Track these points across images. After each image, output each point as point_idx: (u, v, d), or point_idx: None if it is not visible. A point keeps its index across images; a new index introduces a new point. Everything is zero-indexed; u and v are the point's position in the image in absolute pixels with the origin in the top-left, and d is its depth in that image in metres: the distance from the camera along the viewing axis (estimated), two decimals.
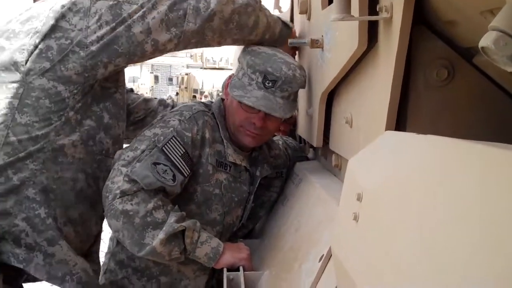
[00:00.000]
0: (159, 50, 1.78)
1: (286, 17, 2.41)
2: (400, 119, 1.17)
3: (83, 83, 1.69)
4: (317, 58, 1.80)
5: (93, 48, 1.66)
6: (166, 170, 1.70)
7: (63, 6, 1.68)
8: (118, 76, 1.83)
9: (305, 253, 1.44)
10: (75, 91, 1.68)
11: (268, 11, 1.96)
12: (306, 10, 1.97)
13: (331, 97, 1.78)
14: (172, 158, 1.72)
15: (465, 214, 0.56)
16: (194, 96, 18.68)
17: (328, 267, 1.26)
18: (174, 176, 1.71)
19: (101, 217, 1.86)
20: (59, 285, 1.70)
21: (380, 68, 1.21)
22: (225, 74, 4.20)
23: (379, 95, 1.19)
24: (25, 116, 1.62)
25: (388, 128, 1.14)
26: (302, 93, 2.17)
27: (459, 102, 1.14)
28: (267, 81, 1.82)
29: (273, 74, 1.81)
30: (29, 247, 1.62)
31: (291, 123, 2.47)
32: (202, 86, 18.41)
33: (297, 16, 2.19)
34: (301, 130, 2.29)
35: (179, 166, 1.73)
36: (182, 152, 1.75)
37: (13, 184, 1.61)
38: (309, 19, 1.96)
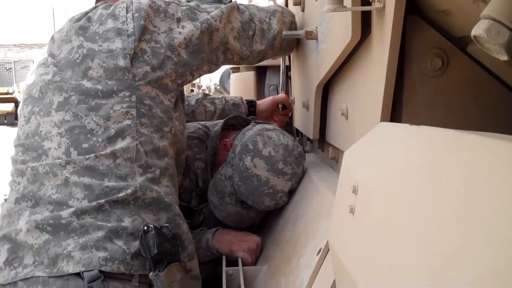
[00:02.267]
0: (227, 59, 1.82)
1: None
2: (395, 110, 1.17)
3: (177, 91, 1.66)
4: (312, 49, 1.80)
5: (184, 54, 1.63)
6: None
7: (142, 5, 1.63)
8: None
9: (303, 246, 1.44)
10: (173, 99, 1.64)
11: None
12: (300, 2, 1.96)
13: (327, 89, 1.77)
14: None
15: (460, 205, 0.56)
16: (192, 90, 18.68)
17: (326, 261, 1.26)
18: None
19: None
20: None
21: (374, 59, 1.20)
22: (222, 68, 4.19)
23: (374, 86, 1.19)
24: (145, 127, 1.55)
25: (383, 119, 1.13)
26: (298, 85, 2.17)
27: (454, 91, 1.13)
28: (245, 204, 1.89)
29: (253, 206, 1.88)
30: None
31: (286, 114, 2.47)
32: (200, 80, 18.40)
33: (291, 8, 2.18)
34: (298, 123, 2.29)
35: None
36: None
37: (163, 201, 1.53)
38: (303, 10, 1.95)
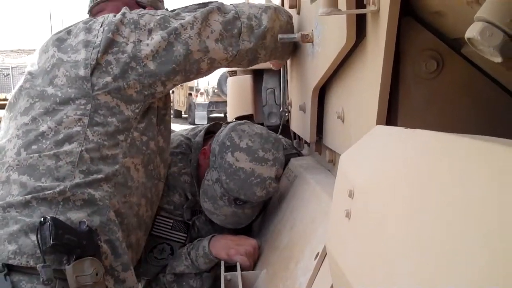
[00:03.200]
0: (213, 67, 1.80)
1: None
2: (391, 112, 1.16)
3: (143, 102, 1.66)
4: (308, 53, 1.79)
5: (151, 65, 1.63)
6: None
7: (114, 19, 1.66)
8: (167, 97, 1.81)
9: (301, 251, 1.44)
10: (137, 110, 1.64)
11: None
12: (295, 4, 1.96)
13: (323, 92, 1.77)
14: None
15: (456, 208, 0.55)
16: (190, 94, 18.69)
17: (324, 265, 1.25)
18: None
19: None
20: None
21: (369, 61, 1.20)
22: (220, 71, 4.20)
23: (369, 89, 1.18)
24: (96, 135, 1.57)
25: (378, 122, 1.12)
26: (295, 88, 2.17)
27: (449, 93, 1.13)
28: (238, 201, 1.88)
29: (246, 200, 1.87)
30: (105, 270, 1.53)
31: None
32: (198, 83, 18.40)
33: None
34: (295, 126, 2.29)
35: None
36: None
37: (97, 204, 1.53)
38: (298, 13, 1.95)
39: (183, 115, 20.23)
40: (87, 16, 1.92)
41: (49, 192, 1.46)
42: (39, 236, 1.38)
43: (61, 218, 1.45)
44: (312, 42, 1.70)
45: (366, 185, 0.89)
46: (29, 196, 1.46)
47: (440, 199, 0.60)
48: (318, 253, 1.27)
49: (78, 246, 1.41)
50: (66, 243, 1.39)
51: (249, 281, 1.69)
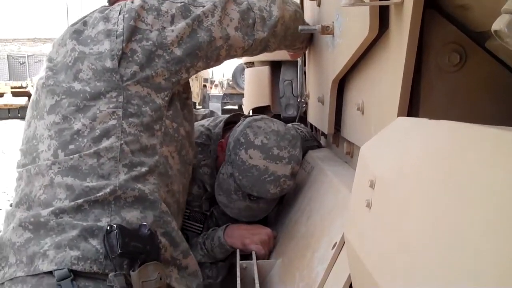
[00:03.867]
0: (230, 55, 1.81)
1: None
2: (412, 105, 1.16)
3: (171, 89, 1.65)
4: (328, 44, 1.79)
5: (177, 52, 1.63)
6: None
7: (134, 5, 1.63)
8: (186, 82, 1.81)
9: (318, 241, 1.44)
10: (166, 98, 1.63)
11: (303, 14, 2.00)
12: None
13: (342, 84, 1.77)
14: None
15: (479, 199, 0.56)
16: (205, 86, 18.70)
17: (341, 255, 1.26)
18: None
19: None
20: None
21: (392, 53, 1.20)
22: (235, 63, 4.20)
23: (391, 81, 1.18)
24: (132, 126, 1.55)
25: (400, 114, 1.13)
26: (313, 80, 2.17)
27: (472, 86, 1.13)
28: (252, 196, 1.89)
29: (259, 196, 1.88)
30: (166, 263, 1.55)
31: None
32: (212, 75, 18.40)
33: (307, 3, 2.18)
34: (312, 118, 2.29)
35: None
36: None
37: (148, 199, 1.52)
38: (319, 5, 1.95)
39: (197, 107, 20.26)
40: (105, 4, 1.90)
41: (100, 194, 1.45)
42: (106, 244, 1.39)
43: (117, 219, 1.44)
44: (333, 34, 1.70)
45: (388, 176, 0.90)
46: (81, 200, 1.44)
47: (464, 191, 0.60)
48: (336, 243, 1.28)
49: (143, 252, 1.41)
50: (132, 250, 1.39)
51: (264, 270, 1.70)
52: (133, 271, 1.39)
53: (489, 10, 0.90)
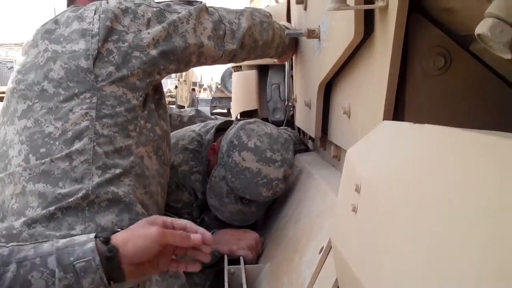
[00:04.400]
0: (199, 63, 1.81)
1: (282, 8, 2.40)
2: (398, 109, 1.17)
3: (145, 90, 1.63)
4: (314, 48, 1.80)
5: (153, 53, 1.62)
6: None
7: (110, 6, 1.61)
8: (160, 83, 1.80)
9: (305, 245, 1.44)
10: (141, 98, 1.61)
11: (277, 22, 1.99)
12: (302, 0, 1.96)
13: (329, 87, 1.77)
14: None
15: (464, 204, 0.56)
16: (193, 89, 18.67)
17: (329, 259, 1.26)
18: None
19: None
20: None
21: (377, 57, 1.20)
22: (224, 67, 4.19)
23: (376, 85, 1.19)
24: (106, 127, 1.51)
25: (385, 118, 1.13)
26: (300, 84, 2.17)
27: (457, 90, 1.13)
28: (244, 199, 1.89)
29: (251, 199, 1.88)
30: None
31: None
32: (201, 79, 18.39)
33: (294, 7, 2.18)
34: (300, 121, 2.29)
35: None
36: None
37: (123, 201, 1.48)
38: (305, 9, 1.95)
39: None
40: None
41: (72, 199, 1.41)
42: None
43: (91, 226, 1.41)
44: (319, 37, 1.70)
45: (373, 180, 0.89)
46: (52, 208, 1.40)
47: (449, 194, 0.60)
48: (323, 247, 1.28)
49: None
50: None
51: (252, 274, 1.69)
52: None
53: (473, 14, 0.90)
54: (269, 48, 1.97)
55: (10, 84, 1.59)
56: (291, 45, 2.11)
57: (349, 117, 1.47)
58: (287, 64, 2.58)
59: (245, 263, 1.75)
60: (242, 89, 3.32)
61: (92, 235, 1.14)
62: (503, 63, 1.03)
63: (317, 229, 1.42)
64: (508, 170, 0.50)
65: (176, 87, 19.52)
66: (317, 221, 1.46)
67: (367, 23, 1.24)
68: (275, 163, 1.84)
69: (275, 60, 2.25)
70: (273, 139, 1.87)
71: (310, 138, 2.36)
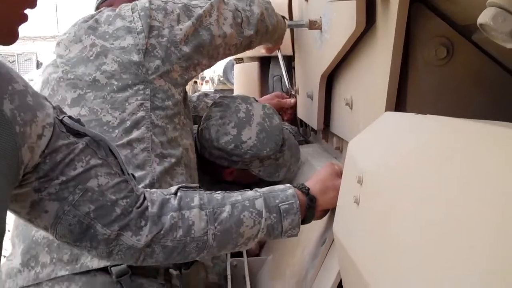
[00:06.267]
0: (225, 54, 1.82)
1: (283, 1, 2.39)
2: (400, 99, 1.16)
3: (184, 86, 1.67)
4: (316, 39, 1.78)
5: (186, 49, 1.63)
6: None
7: (144, 4, 1.64)
8: None
9: (308, 237, 1.44)
10: (181, 94, 1.65)
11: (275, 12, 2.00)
12: None
13: (331, 79, 1.76)
14: None
15: (468, 195, 0.55)
16: (195, 82, 18.62)
17: (331, 251, 1.25)
18: None
19: None
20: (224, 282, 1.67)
21: (379, 48, 1.19)
22: (225, 59, 4.17)
23: (378, 75, 1.18)
24: (159, 118, 1.55)
25: (387, 109, 1.12)
26: (302, 75, 2.16)
27: (459, 80, 1.12)
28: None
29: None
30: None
31: (293, 107, 2.47)
32: (203, 72, 18.31)
33: None
34: (302, 113, 2.28)
35: None
36: None
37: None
38: (307, 0, 1.94)
39: None
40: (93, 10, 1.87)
41: (141, 186, 1.42)
42: None
43: None
44: (321, 29, 1.69)
45: (375, 171, 0.89)
46: None
47: (452, 186, 0.59)
48: (325, 239, 1.28)
49: None
50: None
51: (255, 267, 1.69)
52: (185, 269, 1.42)
53: (475, 3, 0.89)
54: (274, 34, 1.98)
55: (54, 74, 1.60)
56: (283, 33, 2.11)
57: (351, 108, 1.46)
58: (279, 55, 2.56)
59: (248, 255, 1.74)
60: (244, 81, 3.31)
61: (289, 184, 1.30)
62: (506, 53, 1.02)
63: (320, 221, 1.42)
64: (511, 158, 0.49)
65: None
66: None
67: (369, 13, 1.23)
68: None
69: (265, 50, 2.24)
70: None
71: (312, 130, 2.35)
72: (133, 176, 1.19)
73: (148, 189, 1.22)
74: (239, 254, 1.78)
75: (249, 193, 1.25)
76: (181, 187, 1.22)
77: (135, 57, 1.55)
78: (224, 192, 1.25)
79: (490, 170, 0.52)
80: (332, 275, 1.16)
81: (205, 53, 1.70)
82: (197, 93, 2.50)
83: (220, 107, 1.93)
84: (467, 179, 0.56)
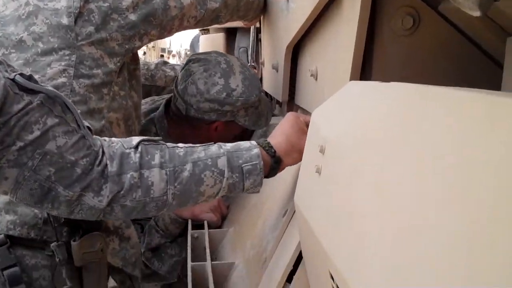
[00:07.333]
0: (182, 26, 1.74)
1: None
2: (365, 70, 1.14)
3: (123, 56, 1.58)
4: (282, 9, 1.76)
5: (132, 17, 1.55)
6: None
7: None
8: (136, 53, 1.75)
9: (269, 209, 1.43)
10: (118, 64, 1.56)
11: None
12: None
13: (297, 50, 1.74)
14: None
15: (432, 161, 0.54)
16: (162, 56, 18.44)
17: (292, 223, 1.24)
18: None
19: None
20: (131, 272, 1.62)
21: (344, 18, 1.17)
22: (193, 33, 4.12)
23: (344, 46, 1.16)
24: (82, 87, 1.46)
25: (352, 79, 1.11)
26: (267, 47, 2.14)
27: (425, 50, 1.11)
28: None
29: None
30: (107, 232, 1.50)
31: None
32: (170, 45, 18.15)
33: None
34: (267, 86, 2.26)
35: None
36: None
37: None
38: None
39: None
40: None
41: None
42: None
43: None
44: None
45: (338, 140, 0.87)
46: None
47: (416, 152, 0.58)
48: (286, 210, 1.27)
49: (86, 222, 1.35)
50: (76, 221, 1.32)
51: (216, 239, 1.68)
52: (73, 241, 1.35)
53: None
54: (250, 9, 1.94)
55: None
56: (262, 9, 2.08)
57: (316, 79, 1.44)
58: (252, 27, 2.54)
59: (209, 227, 1.73)
60: None
61: (254, 142, 1.26)
62: (471, 23, 1.01)
63: (281, 193, 1.41)
64: (481, 124, 0.48)
65: (144, 53, 19.27)
66: (282, 185, 1.44)
67: None
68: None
69: (246, 23, 2.21)
70: None
71: (278, 102, 2.34)
72: (89, 129, 1.16)
73: (106, 139, 1.19)
74: (200, 226, 1.76)
75: (213, 149, 1.22)
76: (143, 140, 1.19)
77: (65, 20, 1.48)
78: (187, 146, 1.22)
79: (454, 134, 0.51)
80: (292, 245, 1.15)
81: (156, 23, 1.62)
82: (155, 61, 2.44)
83: (200, 62, 1.89)
84: (431, 145, 0.55)
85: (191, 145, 1.23)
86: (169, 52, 18.89)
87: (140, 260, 1.65)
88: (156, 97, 2.21)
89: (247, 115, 1.89)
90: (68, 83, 1.45)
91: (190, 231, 1.69)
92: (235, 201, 1.88)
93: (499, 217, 0.40)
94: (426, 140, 0.56)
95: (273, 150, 1.26)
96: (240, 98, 1.82)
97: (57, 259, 1.34)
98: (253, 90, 1.85)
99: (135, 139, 1.19)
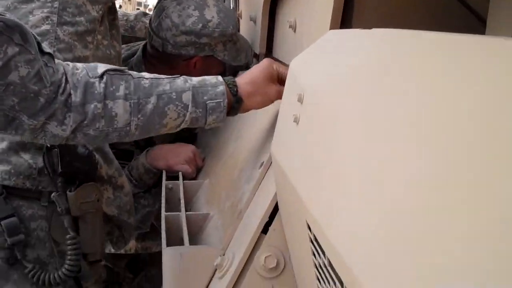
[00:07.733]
0: None
1: None
2: (345, 22, 1.13)
3: (104, 4, 1.55)
4: None
5: None
6: None
7: None
8: (113, 4, 1.70)
9: (245, 160, 1.42)
10: (100, 12, 1.53)
11: None
12: None
13: (275, 2, 1.71)
14: None
15: (411, 108, 0.53)
16: (138, 9, 18.14)
17: (268, 174, 1.24)
18: None
19: None
20: (127, 219, 1.64)
21: None
22: None
23: None
24: (67, 34, 1.43)
25: (332, 29, 1.09)
26: None
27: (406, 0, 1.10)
28: None
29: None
30: (101, 181, 1.50)
31: None
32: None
33: None
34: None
35: None
36: None
37: None
38: None
39: None
40: None
41: None
42: (47, 162, 1.35)
43: None
44: None
45: (316, 89, 0.86)
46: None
47: (395, 98, 0.57)
48: (263, 162, 1.26)
49: (82, 172, 1.37)
50: (72, 170, 1.35)
51: (191, 190, 1.67)
52: (69, 191, 1.36)
53: None
54: None
55: None
56: None
57: (294, 31, 1.42)
58: None
59: (184, 179, 1.72)
60: None
61: (221, 78, 1.27)
62: None
63: (258, 145, 1.40)
64: (464, 67, 0.47)
65: (120, 6, 18.90)
66: (259, 137, 1.43)
67: None
68: None
69: None
70: None
71: (255, 55, 2.31)
72: (51, 54, 1.14)
73: (69, 64, 1.18)
74: (175, 178, 1.75)
75: (179, 82, 1.22)
76: (108, 70, 1.17)
77: None
78: (153, 77, 1.22)
79: (434, 79, 0.50)
80: (269, 197, 1.14)
81: None
82: (134, 12, 2.39)
83: None
84: (411, 91, 0.54)
85: (157, 75, 1.23)
86: (145, 6, 18.59)
87: (133, 207, 1.67)
88: (131, 44, 2.17)
89: (226, 50, 1.87)
90: (52, 30, 1.42)
91: (164, 181, 1.68)
92: (211, 154, 1.87)
93: (484, 153, 0.39)
94: (407, 85, 0.55)
95: (235, 89, 1.27)
96: (216, 30, 1.79)
97: (59, 209, 1.35)
98: (229, 22, 1.83)
99: (101, 67, 1.18)
